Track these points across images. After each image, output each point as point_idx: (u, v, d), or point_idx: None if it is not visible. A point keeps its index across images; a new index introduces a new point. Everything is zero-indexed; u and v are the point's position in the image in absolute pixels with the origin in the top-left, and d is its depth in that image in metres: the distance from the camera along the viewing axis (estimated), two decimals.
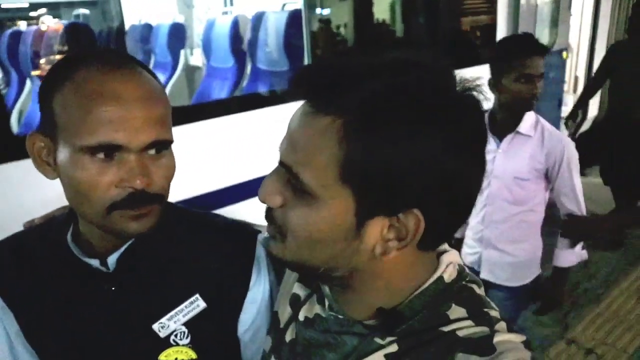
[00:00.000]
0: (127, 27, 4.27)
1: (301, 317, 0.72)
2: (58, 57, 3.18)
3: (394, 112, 0.51)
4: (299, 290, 0.75)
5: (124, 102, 0.67)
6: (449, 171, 0.53)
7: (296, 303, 0.74)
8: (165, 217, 0.80)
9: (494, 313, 0.61)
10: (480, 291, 0.65)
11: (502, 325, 0.60)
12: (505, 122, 1.85)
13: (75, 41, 2.43)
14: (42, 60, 3.24)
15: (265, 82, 3.40)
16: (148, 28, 4.48)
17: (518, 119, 1.84)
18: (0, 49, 3.62)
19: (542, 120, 1.87)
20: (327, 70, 0.56)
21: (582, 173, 1.99)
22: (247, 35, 3.51)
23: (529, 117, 1.85)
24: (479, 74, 0.58)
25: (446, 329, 0.58)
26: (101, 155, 0.67)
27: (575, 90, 4.85)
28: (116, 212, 0.70)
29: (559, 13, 4.13)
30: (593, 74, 4.32)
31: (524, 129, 1.83)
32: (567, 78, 4.53)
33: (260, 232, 0.91)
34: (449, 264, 0.64)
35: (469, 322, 0.59)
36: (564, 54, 4.30)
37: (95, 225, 0.74)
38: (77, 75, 0.68)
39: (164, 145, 0.72)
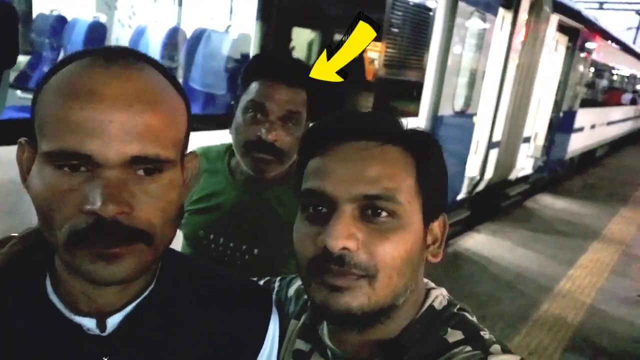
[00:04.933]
0: (34, 14, 3.85)
1: None
2: None
3: (432, 141, 0.70)
4: (301, 345, 0.75)
5: (102, 102, 0.52)
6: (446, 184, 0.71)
7: (300, 358, 0.74)
8: (170, 269, 0.67)
9: (488, 336, 0.65)
10: (472, 317, 0.69)
11: (496, 347, 0.63)
12: None
13: None
14: None
15: (197, 103, 3.21)
16: (60, 20, 4.03)
17: None
18: None
19: None
20: (378, 117, 0.71)
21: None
22: (182, 50, 3.30)
23: None
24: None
25: (443, 358, 0.62)
26: (66, 168, 0.53)
27: (476, 152, 5.27)
28: (80, 247, 0.53)
29: (475, 81, 4.49)
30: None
31: None
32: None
33: (272, 290, 0.84)
34: (438, 295, 0.71)
35: (466, 347, 0.62)
36: (474, 118, 4.66)
37: (64, 265, 0.58)
38: (64, 70, 0.56)
39: (156, 164, 0.55)
